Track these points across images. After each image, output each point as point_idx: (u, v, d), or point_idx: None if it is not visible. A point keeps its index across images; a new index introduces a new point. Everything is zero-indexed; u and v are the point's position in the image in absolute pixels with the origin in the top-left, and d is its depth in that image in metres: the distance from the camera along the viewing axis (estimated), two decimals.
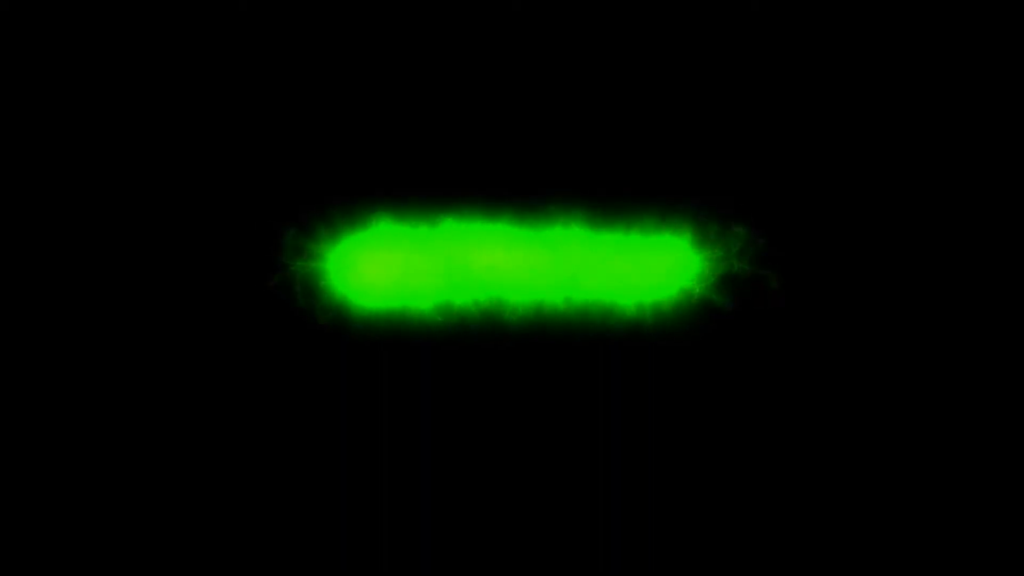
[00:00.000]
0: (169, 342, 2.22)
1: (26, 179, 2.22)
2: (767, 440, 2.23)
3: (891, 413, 2.23)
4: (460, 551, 2.22)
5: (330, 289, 2.22)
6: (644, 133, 2.25)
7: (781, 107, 2.25)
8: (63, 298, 2.22)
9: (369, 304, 2.21)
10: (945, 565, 2.19)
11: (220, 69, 2.24)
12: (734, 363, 2.24)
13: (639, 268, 2.23)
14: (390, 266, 2.22)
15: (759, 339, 2.23)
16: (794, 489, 2.23)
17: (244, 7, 2.23)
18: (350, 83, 2.25)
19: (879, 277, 2.24)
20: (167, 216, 2.23)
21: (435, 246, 2.22)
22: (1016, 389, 2.21)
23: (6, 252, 2.21)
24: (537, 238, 2.22)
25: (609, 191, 2.23)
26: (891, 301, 2.24)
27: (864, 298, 2.24)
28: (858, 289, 2.24)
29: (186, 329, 2.22)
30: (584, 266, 2.22)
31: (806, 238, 2.24)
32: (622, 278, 2.22)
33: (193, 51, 2.24)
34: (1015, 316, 2.22)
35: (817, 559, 2.21)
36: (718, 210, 2.23)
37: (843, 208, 2.24)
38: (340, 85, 2.25)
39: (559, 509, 2.23)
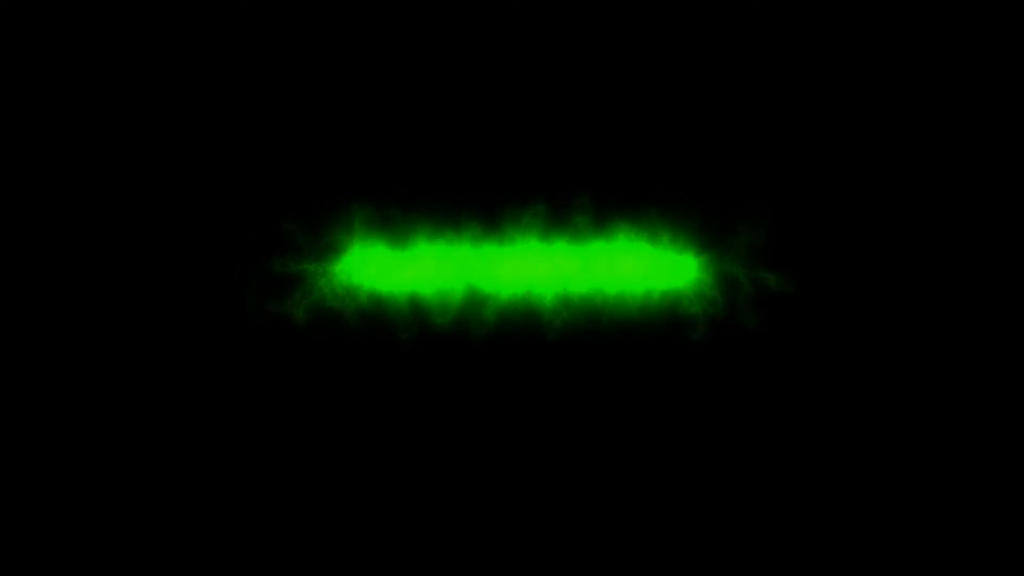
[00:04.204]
0: (162, 343, 2.23)
1: (13, 178, 2.23)
2: (776, 443, 2.23)
3: (898, 416, 2.22)
4: (456, 554, 2.21)
5: (325, 290, 2.22)
6: (647, 134, 2.25)
7: (787, 106, 2.25)
8: (57, 296, 2.22)
9: (364, 305, 2.21)
10: (949, 567, 2.18)
11: (221, 69, 2.25)
12: (738, 364, 2.23)
13: (642, 269, 2.23)
14: (389, 267, 2.22)
15: (765, 340, 2.23)
16: (800, 493, 2.22)
17: (243, 5, 2.23)
18: (352, 83, 2.25)
19: (886, 278, 2.23)
20: (163, 216, 2.24)
21: (435, 247, 2.22)
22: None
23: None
24: (537, 239, 2.22)
25: (613, 192, 2.23)
26: (898, 302, 2.23)
27: (872, 300, 2.23)
28: (866, 291, 2.23)
29: (178, 330, 2.22)
30: (588, 267, 2.22)
31: (811, 238, 2.23)
32: (625, 279, 2.22)
33: (189, 52, 2.25)
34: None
35: (822, 562, 2.19)
36: (723, 210, 2.23)
37: (851, 208, 2.24)
38: (342, 85, 2.25)
39: (559, 514, 2.22)
